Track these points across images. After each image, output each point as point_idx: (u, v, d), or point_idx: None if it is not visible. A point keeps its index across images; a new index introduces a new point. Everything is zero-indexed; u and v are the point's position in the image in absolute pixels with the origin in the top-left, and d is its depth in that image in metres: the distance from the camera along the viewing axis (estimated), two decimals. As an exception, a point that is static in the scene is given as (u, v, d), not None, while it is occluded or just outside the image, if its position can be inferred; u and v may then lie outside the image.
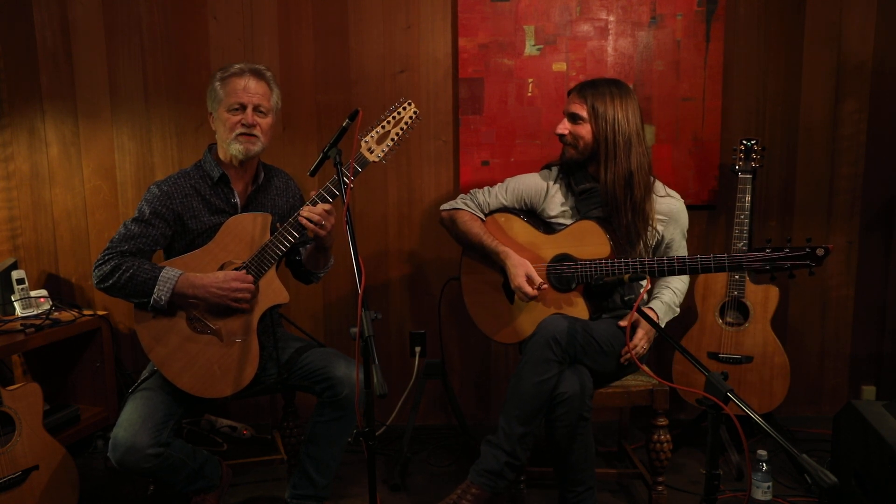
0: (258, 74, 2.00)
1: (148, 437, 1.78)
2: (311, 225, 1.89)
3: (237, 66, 2.00)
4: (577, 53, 2.75)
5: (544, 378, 1.94)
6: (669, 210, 2.17)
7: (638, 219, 2.10)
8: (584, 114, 2.12)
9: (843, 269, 2.90)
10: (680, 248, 2.21)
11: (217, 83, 1.99)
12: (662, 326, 2.08)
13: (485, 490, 1.99)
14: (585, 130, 2.13)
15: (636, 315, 2.00)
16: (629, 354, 2.03)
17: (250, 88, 1.97)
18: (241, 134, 1.96)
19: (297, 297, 2.86)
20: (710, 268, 1.90)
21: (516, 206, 2.29)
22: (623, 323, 2.09)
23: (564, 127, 2.17)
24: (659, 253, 2.21)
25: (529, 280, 2.10)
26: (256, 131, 1.98)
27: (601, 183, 2.12)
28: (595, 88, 2.13)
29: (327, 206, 1.90)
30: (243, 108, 1.97)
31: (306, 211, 1.89)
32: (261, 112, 2.00)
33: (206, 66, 2.78)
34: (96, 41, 2.78)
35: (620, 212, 2.10)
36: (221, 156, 2.05)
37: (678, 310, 2.22)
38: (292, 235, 1.94)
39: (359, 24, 2.78)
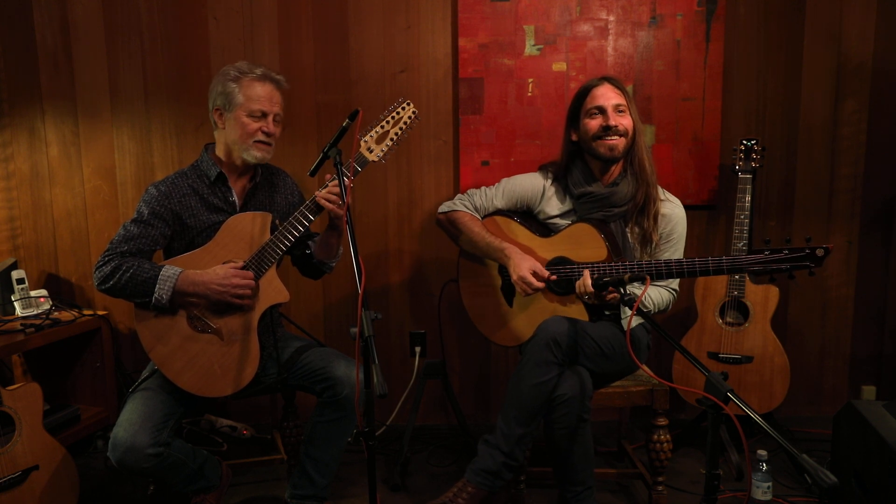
0: (278, 84, 2.01)
1: (148, 437, 1.78)
2: (330, 205, 1.91)
3: (257, 70, 1.99)
4: (577, 53, 2.75)
5: (544, 380, 1.93)
6: (671, 213, 2.13)
7: (653, 219, 2.09)
8: (625, 102, 2.09)
9: (843, 269, 2.90)
10: (676, 253, 2.15)
11: (232, 83, 1.96)
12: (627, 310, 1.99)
13: (481, 489, 1.99)
14: (628, 121, 2.10)
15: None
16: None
17: (274, 98, 1.99)
18: (260, 142, 1.98)
19: (297, 296, 2.86)
20: (709, 270, 1.87)
21: (512, 209, 2.27)
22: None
23: (615, 118, 2.07)
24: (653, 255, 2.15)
25: (535, 274, 2.06)
26: (272, 140, 2.01)
27: (637, 171, 2.08)
28: (616, 79, 2.12)
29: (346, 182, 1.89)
30: (264, 116, 1.98)
31: (323, 192, 1.92)
32: (276, 121, 2.02)
33: (206, 66, 2.78)
34: (96, 41, 2.78)
35: (647, 209, 2.08)
36: (221, 155, 2.05)
37: (648, 307, 2.12)
38: (293, 234, 1.94)
39: (359, 24, 2.78)
